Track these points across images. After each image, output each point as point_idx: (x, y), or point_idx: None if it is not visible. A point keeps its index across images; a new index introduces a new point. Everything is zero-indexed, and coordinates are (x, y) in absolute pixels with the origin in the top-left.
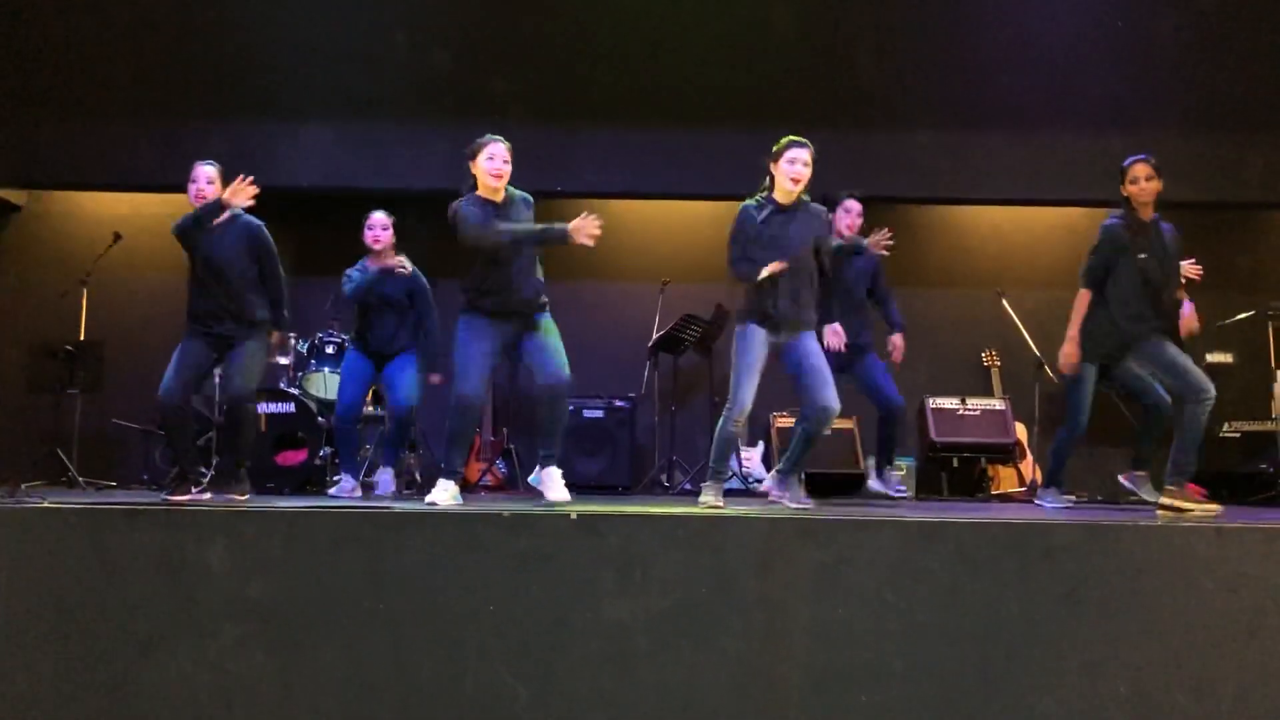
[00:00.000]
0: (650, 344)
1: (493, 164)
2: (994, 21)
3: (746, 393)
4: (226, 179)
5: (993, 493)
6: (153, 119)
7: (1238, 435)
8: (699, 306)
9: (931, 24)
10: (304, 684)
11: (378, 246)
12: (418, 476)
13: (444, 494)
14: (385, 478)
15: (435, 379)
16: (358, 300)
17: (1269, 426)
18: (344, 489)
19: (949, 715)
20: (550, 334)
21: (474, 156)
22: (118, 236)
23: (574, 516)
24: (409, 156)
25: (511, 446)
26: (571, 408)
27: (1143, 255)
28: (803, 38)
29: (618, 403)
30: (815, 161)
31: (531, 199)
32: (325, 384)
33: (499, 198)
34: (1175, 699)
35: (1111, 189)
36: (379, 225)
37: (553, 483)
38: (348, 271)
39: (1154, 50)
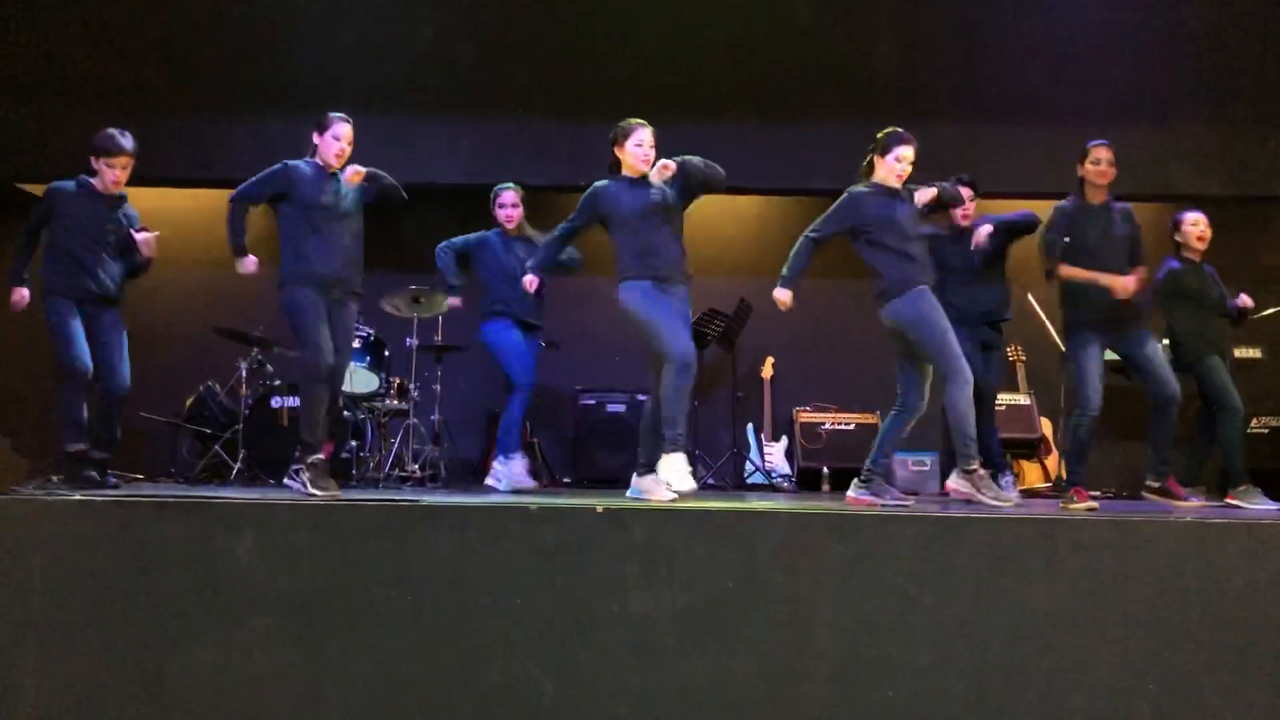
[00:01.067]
0: None
1: (641, 150)
2: (1017, 13)
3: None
4: (250, 172)
5: (1019, 488)
6: (177, 113)
7: (1265, 431)
8: (722, 301)
9: (955, 15)
10: (331, 675)
11: (511, 225)
12: (442, 469)
13: (679, 471)
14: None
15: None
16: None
17: None
18: (516, 472)
19: (976, 711)
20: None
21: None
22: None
23: (600, 510)
24: (434, 150)
25: (535, 440)
26: (593, 401)
27: (1067, 239)
28: (824, 29)
29: (640, 397)
30: (842, 154)
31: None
32: (351, 378)
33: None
34: (1207, 698)
35: (1139, 181)
36: (510, 203)
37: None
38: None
39: (1180, 41)
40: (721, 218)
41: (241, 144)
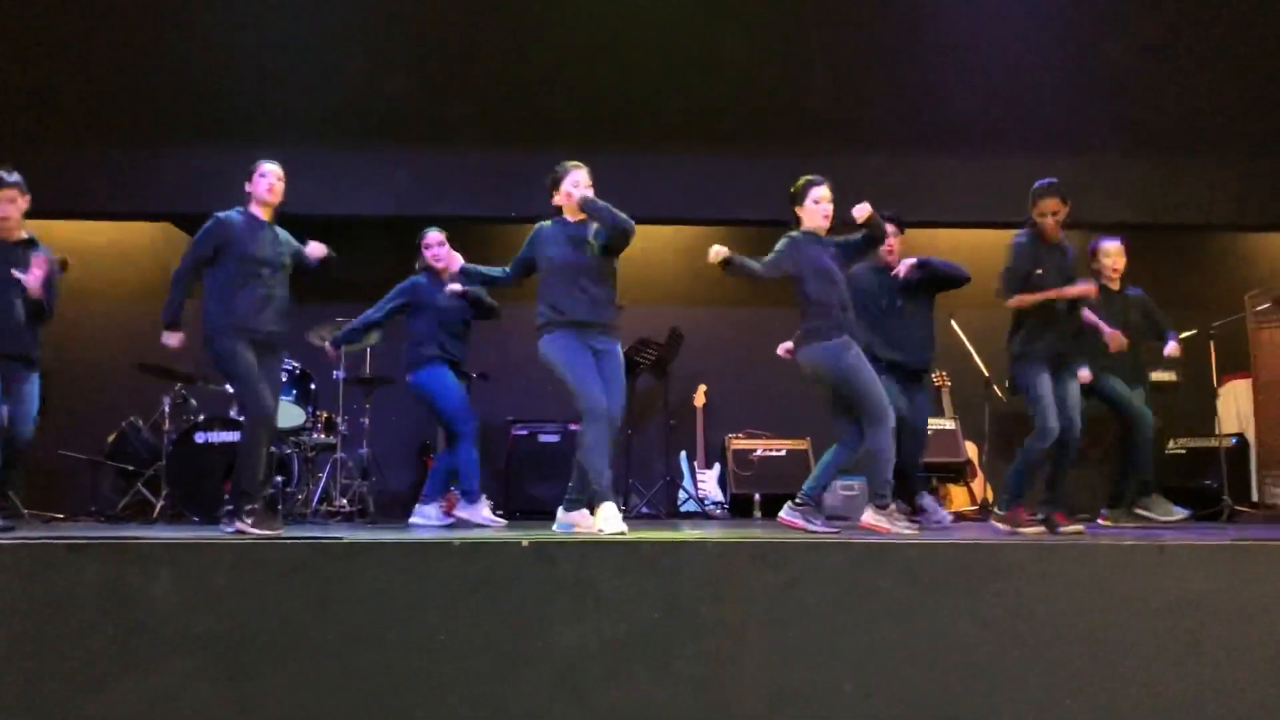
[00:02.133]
0: None
1: (578, 191)
2: (945, 47)
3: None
4: (177, 206)
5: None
6: (99, 145)
7: (1183, 452)
8: (654, 330)
9: (884, 48)
10: (254, 717)
11: (439, 264)
12: (371, 504)
13: (611, 518)
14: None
15: None
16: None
17: (1213, 443)
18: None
19: None
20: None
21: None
22: (64, 264)
23: (526, 544)
24: (366, 181)
25: None
26: (526, 431)
27: (1039, 272)
28: (756, 62)
29: (573, 427)
30: (774, 185)
31: None
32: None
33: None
34: (1123, 716)
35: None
36: (435, 243)
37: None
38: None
39: (1099, 76)
40: (654, 247)
41: (167, 176)
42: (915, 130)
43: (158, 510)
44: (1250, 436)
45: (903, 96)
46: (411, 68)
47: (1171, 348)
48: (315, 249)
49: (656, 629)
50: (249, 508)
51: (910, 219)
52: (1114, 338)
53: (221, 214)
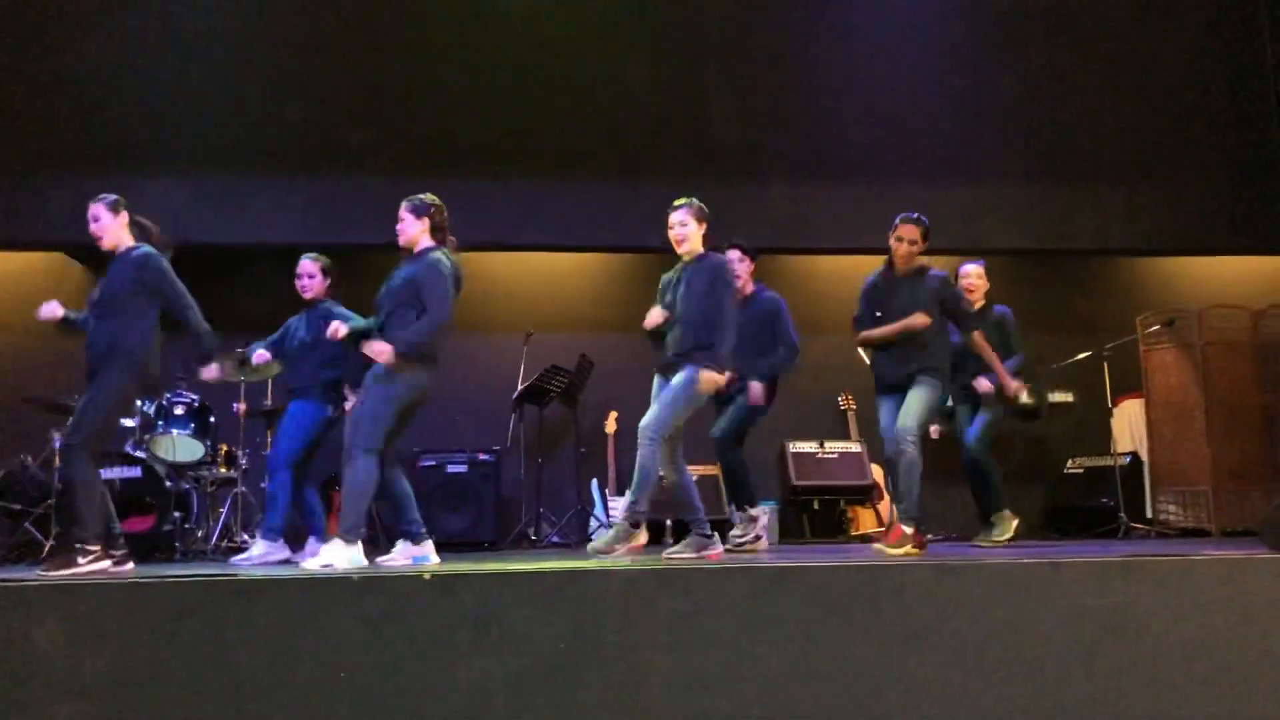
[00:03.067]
0: (515, 395)
1: None
2: (844, 78)
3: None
4: (69, 235)
5: (853, 534)
6: None
7: (1080, 471)
8: (564, 357)
9: (784, 80)
10: None
11: (309, 295)
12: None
13: (341, 555)
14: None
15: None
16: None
17: (1108, 462)
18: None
19: None
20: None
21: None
22: None
23: (428, 577)
24: (264, 210)
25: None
26: (434, 462)
27: (879, 315)
28: (660, 93)
29: (482, 456)
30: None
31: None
32: (174, 447)
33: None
34: None
35: (955, 236)
36: (305, 273)
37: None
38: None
39: (993, 106)
40: (561, 275)
41: (55, 205)
42: (815, 160)
43: (46, 550)
44: (1144, 455)
45: (802, 127)
46: (311, 95)
47: (983, 384)
48: None
49: (562, 659)
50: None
51: (810, 246)
52: (1017, 390)
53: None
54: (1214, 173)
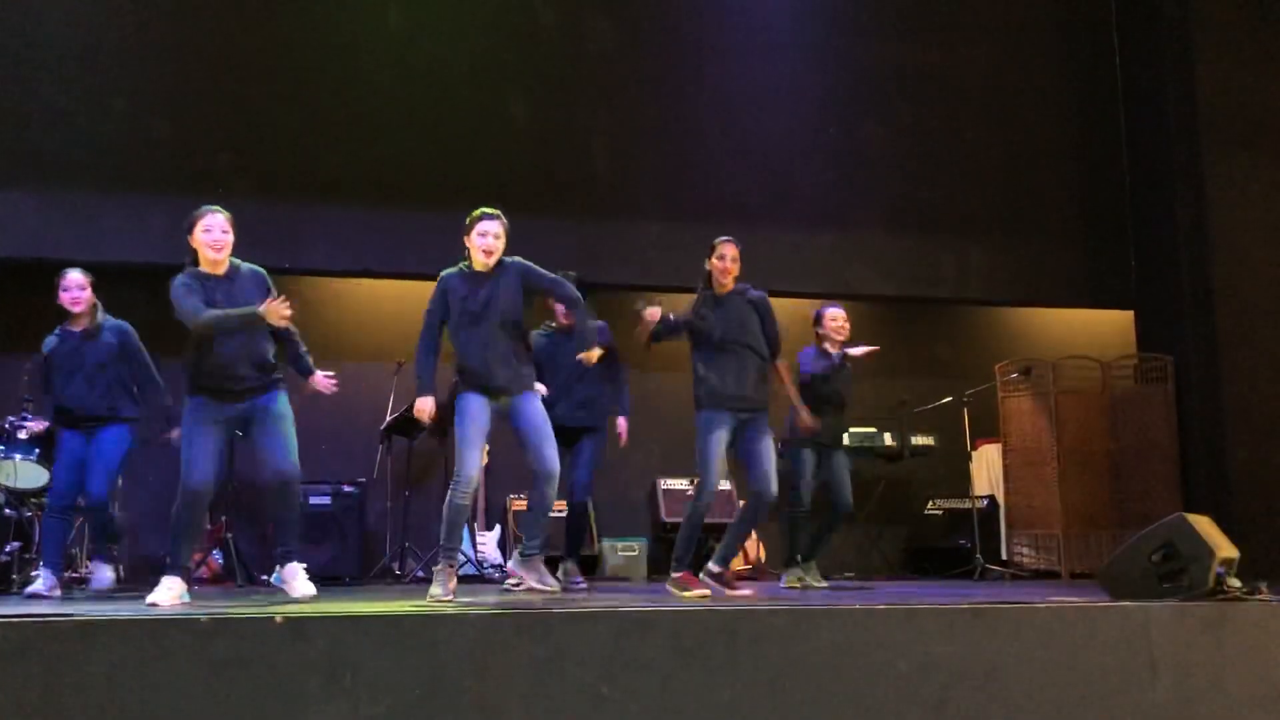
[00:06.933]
0: (383, 426)
1: (210, 235)
2: (718, 122)
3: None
4: None
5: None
6: None
7: (940, 512)
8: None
9: (661, 122)
10: None
11: (77, 309)
12: (121, 572)
13: (168, 593)
14: (101, 573)
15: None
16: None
17: (966, 504)
18: (46, 586)
19: None
20: (280, 420)
21: (191, 229)
22: None
23: (279, 620)
24: (123, 227)
25: (229, 536)
26: None
27: (716, 334)
28: (538, 127)
29: (346, 488)
30: (552, 248)
31: (264, 273)
32: (15, 471)
33: (220, 271)
34: None
35: (821, 281)
36: (75, 285)
37: (295, 579)
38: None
39: (861, 156)
40: None
41: None
42: (689, 201)
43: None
44: (1000, 498)
45: (676, 167)
46: (175, 112)
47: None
48: None
49: (415, 707)
50: None
51: (682, 285)
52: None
53: None
54: (1069, 230)
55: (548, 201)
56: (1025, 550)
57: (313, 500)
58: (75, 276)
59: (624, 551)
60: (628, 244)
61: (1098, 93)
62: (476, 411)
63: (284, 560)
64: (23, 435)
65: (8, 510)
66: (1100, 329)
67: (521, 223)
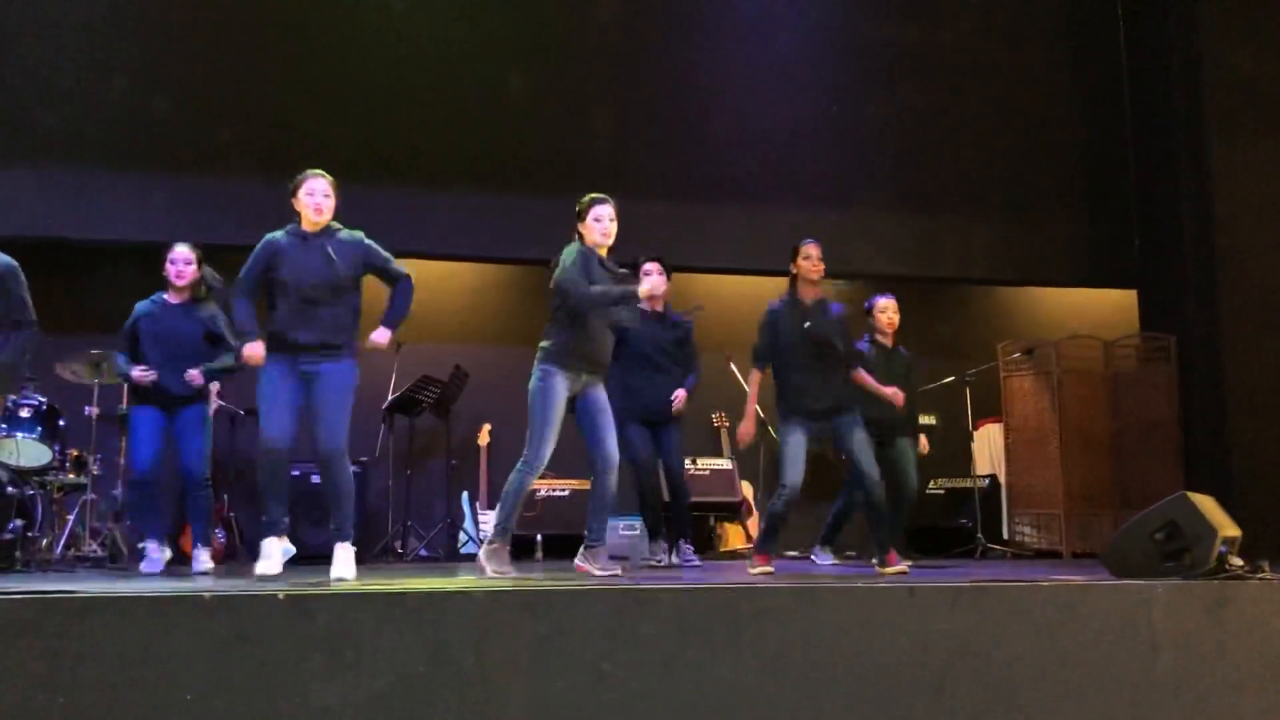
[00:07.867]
0: (385, 405)
1: (312, 199)
2: (723, 101)
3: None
4: None
5: (721, 550)
6: None
7: (942, 492)
8: (436, 368)
9: (665, 101)
10: None
11: (181, 282)
12: (123, 548)
13: (272, 559)
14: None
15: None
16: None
17: (968, 484)
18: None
19: None
20: (334, 390)
21: (295, 192)
22: None
23: (282, 596)
24: (124, 205)
25: (232, 515)
26: (298, 473)
27: (808, 324)
28: (540, 105)
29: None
30: (554, 226)
31: (360, 235)
32: (18, 450)
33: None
34: None
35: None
36: (182, 259)
37: (335, 559)
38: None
39: (865, 136)
40: (436, 284)
41: None
42: (695, 180)
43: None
44: (1002, 478)
45: (679, 146)
46: (175, 89)
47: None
48: None
49: (418, 683)
50: None
51: (684, 264)
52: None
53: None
54: (1072, 209)
55: (550, 180)
56: (1027, 530)
57: (314, 479)
58: (183, 251)
59: (625, 530)
60: (635, 223)
61: (1101, 71)
62: (562, 396)
63: (333, 538)
64: (25, 414)
65: (10, 488)
66: (1103, 308)
67: (525, 200)
